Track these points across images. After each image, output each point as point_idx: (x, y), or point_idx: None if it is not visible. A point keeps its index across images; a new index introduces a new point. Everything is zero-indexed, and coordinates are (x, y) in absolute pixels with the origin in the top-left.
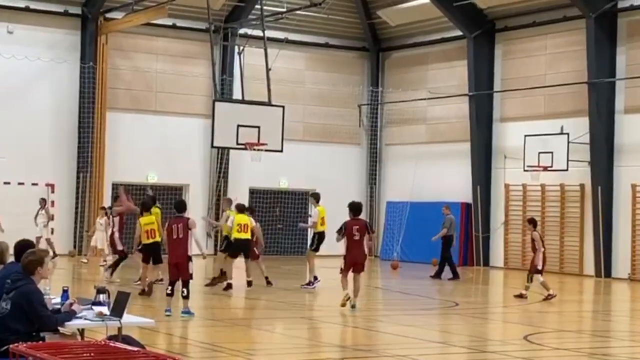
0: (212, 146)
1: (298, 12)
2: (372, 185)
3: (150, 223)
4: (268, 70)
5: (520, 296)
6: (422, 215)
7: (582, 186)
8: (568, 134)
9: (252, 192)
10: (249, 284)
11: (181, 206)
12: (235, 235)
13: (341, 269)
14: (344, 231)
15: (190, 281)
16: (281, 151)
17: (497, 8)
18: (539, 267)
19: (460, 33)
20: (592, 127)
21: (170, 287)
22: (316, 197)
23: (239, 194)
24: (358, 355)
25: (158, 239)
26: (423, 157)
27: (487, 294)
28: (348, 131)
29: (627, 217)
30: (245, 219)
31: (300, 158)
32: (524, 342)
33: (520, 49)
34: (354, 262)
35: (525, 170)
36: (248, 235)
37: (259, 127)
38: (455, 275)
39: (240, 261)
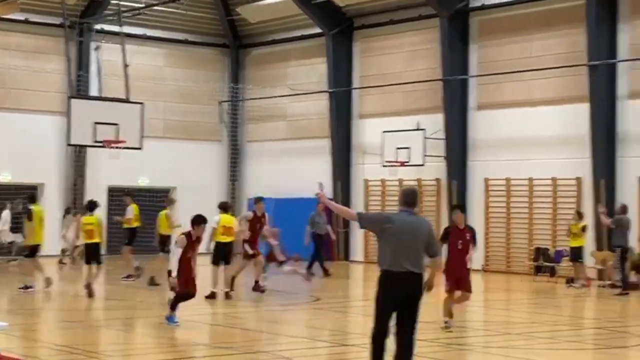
0: (69, 144)
1: (156, 7)
2: (234, 182)
3: (89, 223)
4: (126, 66)
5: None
6: (283, 211)
7: (437, 180)
8: (424, 129)
9: (111, 191)
10: (227, 295)
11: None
12: (219, 238)
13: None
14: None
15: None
16: (140, 149)
17: (355, 6)
18: None
19: (319, 30)
20: (447, 123)
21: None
22: (130, 195)
23: (97, 192)
24: (221, 353)
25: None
26: (284, 154)
27: (347, 288)
28: (209, 128)
29: (481, 211)
30: (231, 220)
31: (161, 155)
32: None
33: (377, 47)
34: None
35: (383, 166)
36: (232, 238)
37: (117, 125)
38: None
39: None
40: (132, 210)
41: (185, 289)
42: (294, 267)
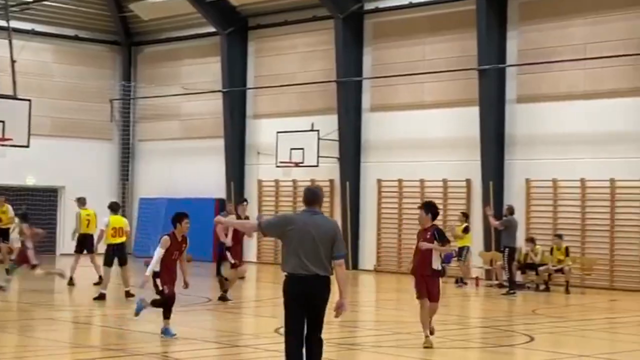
0: None
1: (45, 2)
2: (125, 182)
3: None
4: (13, 62)
5: None
6: (177, 211)
7: (331, 181)
8: (318, 130)
9: None
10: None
11: None
12: (110, 240)
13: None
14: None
15: None
16: (27, 146)
17: (250, 6)
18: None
19: (213, 29)
20: (341, 125)
21: None
22: (3, 195)
23: None
24: (110, 355)
25: None
26: (177, 153)
27: (240, 289)
28: (99, 126)
29: (373, 211)
30: (121, 221)
31: (49, 154)
32: (275, 335)
33: (272, 47)
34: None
35: (277, 166)
36: (124, 239)
37: (3, 122)
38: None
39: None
40: (11, 209)
41: (170, 293)
42: (46, 270)
